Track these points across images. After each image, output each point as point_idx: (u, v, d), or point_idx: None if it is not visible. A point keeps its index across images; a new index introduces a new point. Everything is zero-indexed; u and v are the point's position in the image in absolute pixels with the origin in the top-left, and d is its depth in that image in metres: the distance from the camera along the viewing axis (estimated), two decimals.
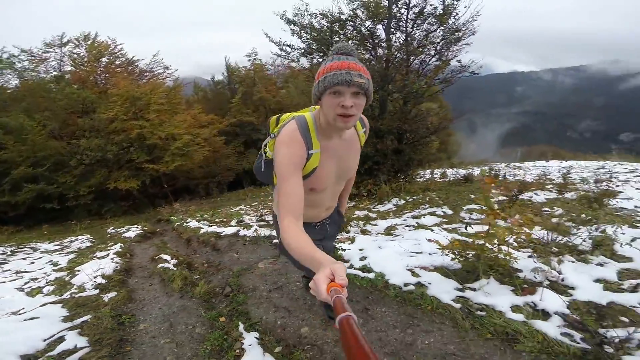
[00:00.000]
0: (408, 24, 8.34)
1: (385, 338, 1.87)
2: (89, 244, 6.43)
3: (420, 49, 8.20)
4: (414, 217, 4.56)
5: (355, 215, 5.14)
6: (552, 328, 1.74)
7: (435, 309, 2.03)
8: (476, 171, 9.41)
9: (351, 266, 2.84)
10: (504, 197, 4.09)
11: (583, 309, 1.89)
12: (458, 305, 2.01)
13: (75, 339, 2.01)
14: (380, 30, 8.33)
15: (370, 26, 7.98)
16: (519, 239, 2.61)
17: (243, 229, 5.06)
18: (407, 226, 4.11)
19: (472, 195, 5.59)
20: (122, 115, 14.39)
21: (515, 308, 1.92)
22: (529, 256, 2.51)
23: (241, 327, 2.13)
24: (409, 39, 8.11)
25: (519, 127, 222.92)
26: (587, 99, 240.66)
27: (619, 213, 3.72)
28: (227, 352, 1.91)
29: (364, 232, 4.10)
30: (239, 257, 3.73)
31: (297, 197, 1.13)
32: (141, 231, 6.86)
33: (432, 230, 3.50)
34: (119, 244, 5.35)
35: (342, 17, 7.52)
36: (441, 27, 7.89)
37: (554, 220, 3.32)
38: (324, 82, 1.12)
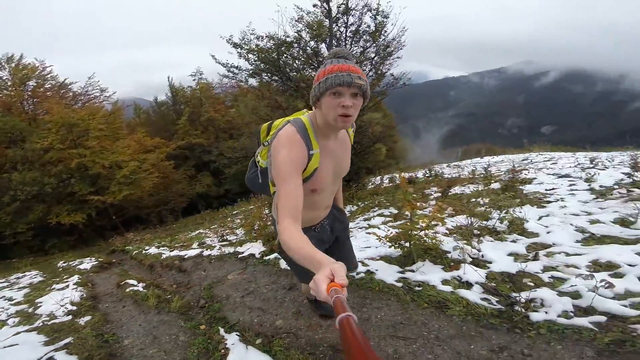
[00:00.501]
0: (347, 42, 9.10)
1: None
2: (40, 278, 6.13)
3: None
4: (365, 219, 5.07)
5: None
6: (474, 295, 2.19)
7: (382, 290, 2.47)
8: (420, 174, 10.31)
9: None
10: (439, 193, 4.74)
11: (498, 278, 2.38)
12: (400, 284, 2.48)
13: (65, 358, 2.14)
14: (323, 49, 8.99)
15: (314, 46, 8.57)
16: (446, 226, 3.18)
17: (206, 249, 5.19)
18: (360, 228, 4.59)
19: (414, 195, 6.26)
20: (58, 144, 13.49)
21: (445, 281, 2.40)
22: (455, 239, 3.08)
23: (221, 330, 2.39)
24: None
25: (456, 128, 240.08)
26: (509, 98, 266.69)
27: (531, 197, 4.46)
28: (213, 352, 2.17)
29: None
30: (207, 274, 3.91)
31: (297, 199, 1.14)
32: (96, 262, 6.64)
33: (379, 228, 4.00)
34: (76, 276, 5.21)
35: (288, 39, 8.00)
36: (374, 44, 8.73)
37: (476, 208, 3.99)
38: (325, 83, 1.15)
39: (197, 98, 23.54)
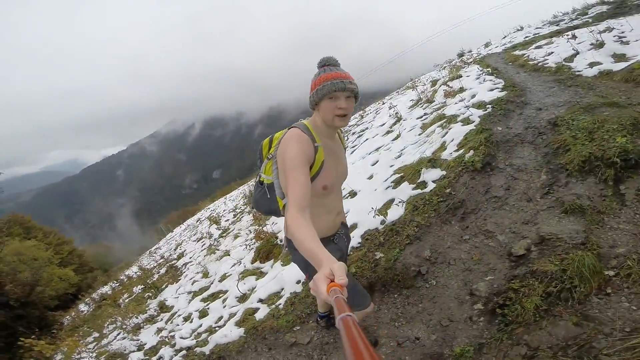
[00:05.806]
0: None
1: None
2: None
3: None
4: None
5: None
6: None
7: None
8: (132, 271, 10.36)
9: None
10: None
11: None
12: None
13: None
14: None
15: None
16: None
17: None
18: None
19: (110, 310, 6.98)
20: None
21: None
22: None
23: None
24: None
25: (143, 206, 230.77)
26: (174, 158, 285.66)
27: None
28: None
29: None
30: None
31: (306, 187, 1.21)
32: None
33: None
34: None
35: None
36: None
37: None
38: (322, 90, 1.33)
39: None
